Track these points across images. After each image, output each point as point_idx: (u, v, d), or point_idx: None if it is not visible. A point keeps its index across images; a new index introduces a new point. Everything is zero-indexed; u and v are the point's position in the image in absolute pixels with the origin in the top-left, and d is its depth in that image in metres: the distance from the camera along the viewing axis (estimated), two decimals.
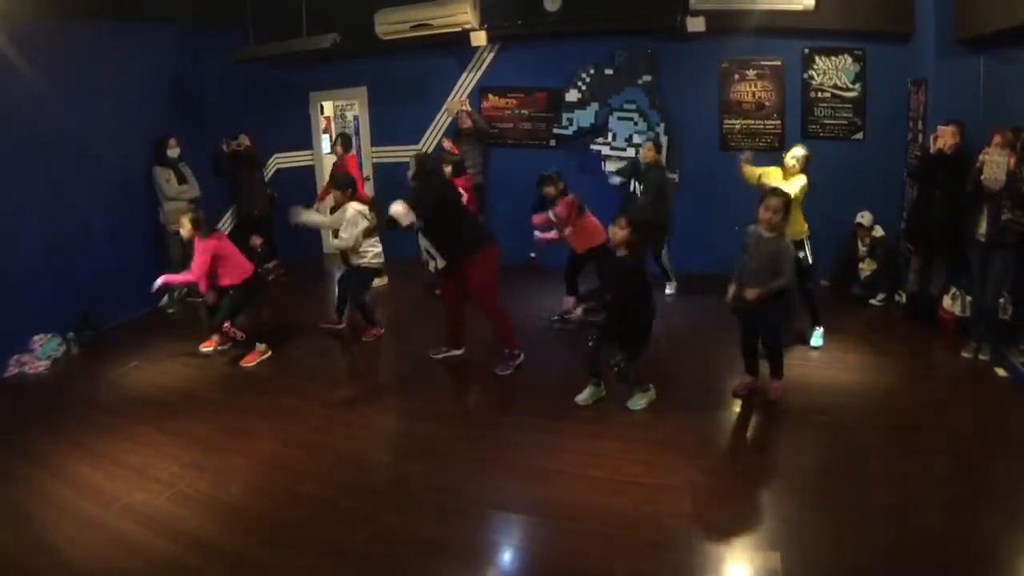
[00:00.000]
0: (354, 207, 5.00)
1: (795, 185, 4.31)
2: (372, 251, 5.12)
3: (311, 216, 5.27)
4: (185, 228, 4.74)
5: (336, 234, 5.01)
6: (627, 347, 3.77)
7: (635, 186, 5.81)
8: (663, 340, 5.05)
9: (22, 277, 4.96)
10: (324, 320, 5.52)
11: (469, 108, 6.85)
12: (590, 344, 3.93)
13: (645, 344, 3.81)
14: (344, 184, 5.17)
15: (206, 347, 5.01)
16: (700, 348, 4.82)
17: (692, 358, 4.67)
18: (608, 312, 3.92)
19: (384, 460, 3.58)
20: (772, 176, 4.56)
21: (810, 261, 4.55)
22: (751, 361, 3.98)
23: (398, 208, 4.07)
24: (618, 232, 3.69)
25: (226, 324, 4.82)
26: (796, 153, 4.53)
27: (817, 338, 4.70)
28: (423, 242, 4.38)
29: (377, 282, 6.58)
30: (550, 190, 5.14)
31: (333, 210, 5.20)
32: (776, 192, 3.68)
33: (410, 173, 4.36)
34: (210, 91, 6.74)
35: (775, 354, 3.91)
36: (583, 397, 3.94)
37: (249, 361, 4.81)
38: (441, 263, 4.35)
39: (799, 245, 4.39)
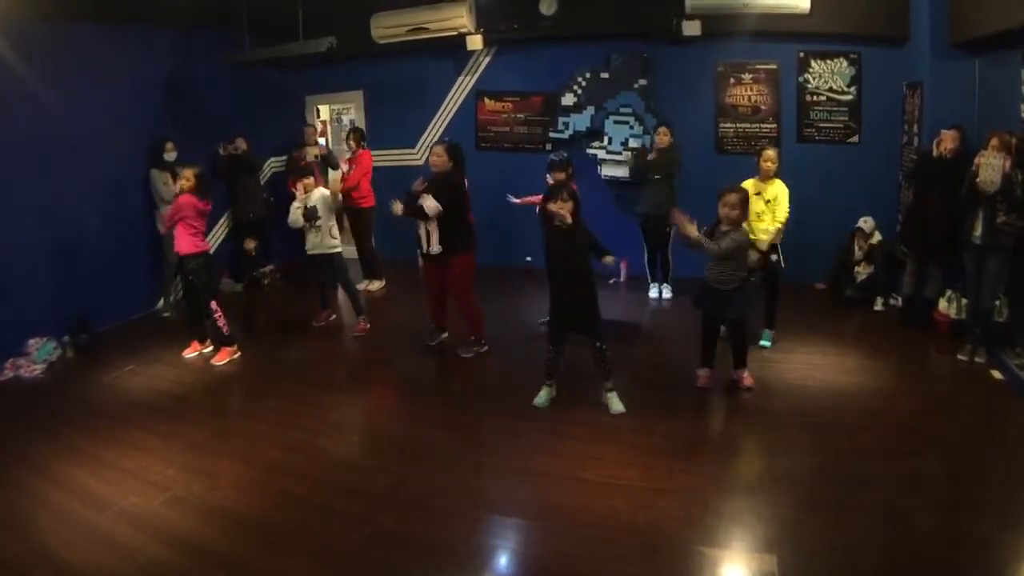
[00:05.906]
0: (321, 191, 5.22)
1: (782, 198, 4.41)
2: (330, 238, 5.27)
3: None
4: (187, 180, 4.64)
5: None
6: (594, 327, 3.81)
7: None
8: (657, 343, 5.05)
9: (18, 280, 4.94)
10: (315, 319, 5.60)
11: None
12: (552, 354, 3.94)
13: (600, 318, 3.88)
14: (303, 173, 5.32)
15: (189, 352, 5.00)
16: (694, 351, 4.78)
17: (687, 361, 4.63)
18: (562, 291, 3.85)
19: (379, 463, 3.56)
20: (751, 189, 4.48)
21: (782, 264, 4.53)
22: (709, 353, 4.12)
23: (432, 203, 4.33)
24: (563, 206, 3.68)
25: (213, 303, 4.84)
26: (771, 155, 4.51)
27: (766, 339, 4.74)
28: (424, 225, 4.49)
29: (376, 286, 6.62)
30: (560, 176, 4.80)
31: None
32: (733, 188, 3.84)
33: (439, 159, 4.49)
34: (207, 94, 6.73)
35: (740, 344, 4.04)
36: (541, 400, 3.97)
37: (220, 359, 4.84)
38: (436, 248, 4.50)
39: (773, 248, 4.46)
